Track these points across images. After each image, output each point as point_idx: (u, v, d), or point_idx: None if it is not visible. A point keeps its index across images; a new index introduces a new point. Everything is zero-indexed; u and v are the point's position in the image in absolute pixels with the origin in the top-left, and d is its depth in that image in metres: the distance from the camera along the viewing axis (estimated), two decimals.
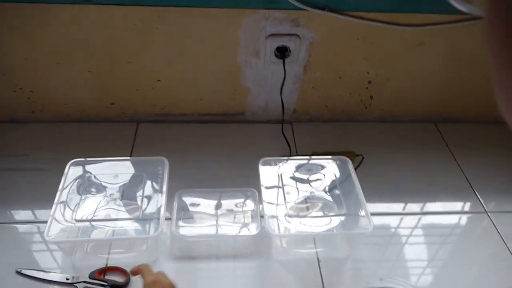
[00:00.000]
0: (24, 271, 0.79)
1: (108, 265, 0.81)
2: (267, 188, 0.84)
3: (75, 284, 0.78)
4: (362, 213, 0.80)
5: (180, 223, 0.87)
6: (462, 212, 0.97)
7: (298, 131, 1.13)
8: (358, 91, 1.10)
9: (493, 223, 0.94)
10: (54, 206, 0.77)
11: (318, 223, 0.80)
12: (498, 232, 0.92)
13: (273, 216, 0.79)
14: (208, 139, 1.09)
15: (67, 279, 0.78)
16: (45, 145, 1.04)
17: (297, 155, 1.04)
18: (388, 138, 1.14)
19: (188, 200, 0.91)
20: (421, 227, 0.93)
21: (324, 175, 0.88)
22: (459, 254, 0.88)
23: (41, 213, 0.89)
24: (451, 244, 0.90)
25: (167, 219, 0.86)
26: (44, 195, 0.84)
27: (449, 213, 0.96)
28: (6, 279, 0.78)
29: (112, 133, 1.08)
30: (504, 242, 0.90)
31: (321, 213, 0.82)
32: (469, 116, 1.19)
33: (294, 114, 1.14)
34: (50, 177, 0.86)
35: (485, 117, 1.19)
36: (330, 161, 0.91)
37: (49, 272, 0.79)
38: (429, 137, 1.16)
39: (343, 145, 1.08)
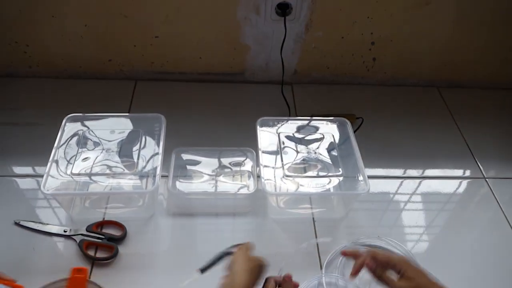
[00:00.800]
0: (22, 223, 0.80)
1: (105, 219, 0.82)
2: (264, 147, 0.83)
3: (72, 237, 0.79)
4: (359, 175, 0.79)
5: (177, 180, 0.87)
6: (460, 178, 0.96)
7: (298, 92, 1.11)
8: (360, 52, 1.07)
9: (491, 189, 0.94)
10: (50, 160, 0.77)
11: (315, 184, 0.80)
12: (496, 198, 0.92)
13: (269, 176, 0.79)
14: (207, 99, 1.08)
15: (65, 231, 0.79)
16: (42, 100, 1.03)
17: (296, 116, 1.03)
18: (389, 101, 1.12)
19: (185, 158, 0.91)
20: (419, 193, 0.92)
21: (323, 136, 0.87)
22: (456, 219, 0.88)
23: (39, 167, 0.90)
24: (449, 210, 0.90)
25: (164, 176, 0.86)
26: (42, 150, 0.83)
27: (447, 177, 0.96)
28: (5, 230, 0.79)
29: (110, 90, 1.07)
30: (501, 208, 0.90)
31: (318, 174, 0.81)
32: (473, 81, 1.17)
33: (295, 76, 1.12)
34: (47, 131, 0.85)
35: (489, 83, 1.17)
36: (329, 122, 0.90)
37: (47, 224, 0.80)
38: (431, 101, 1.14)
39: (344, 107, 1.06)
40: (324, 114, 1.01)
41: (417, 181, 0.95)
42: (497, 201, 0.91)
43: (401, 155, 1.00)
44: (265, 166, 0.80)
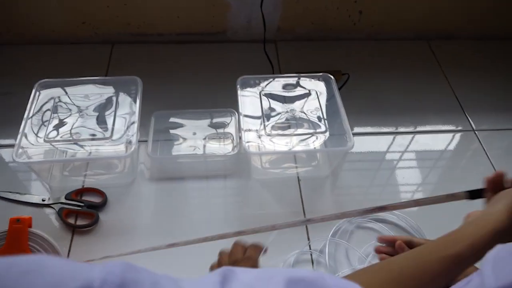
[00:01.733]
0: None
1: (85, 186, 0.80)
2: (245, 107, 0.80)
3: (51, 205, 0.77)
4: (344, 131, 0.77)
5: (158, 144, 0.84)
6: (451, 131, 0.94)
7: (282, 50, 1.07)
8: (346, 5, 1.02)
9: (481, 143, 0.91)
10: (22, 128, 0.74)
11: (297, 142, 0.77)
12: (485, 152, 0.90)
13: (251, 136, 0.76)
14: (188, 60, 1.03)
15: (43, 200, 0.77)
16: (13, 68, 0.99)
17: (280, 74, 0.99)
18: (377, 56, 1.08)
19: (165, 121, 0.88)
20: (409, 149, 0.90)
21: (306, 94, 0.84)
22: (448, 175, 0.86)
23: (14, 137, 0.87)
24: (440, 166, 0.88)
25: (143, 141, 0.84)
26: (16, 119, 0.81)
27: (437, 131, 0.94)
28: None
29: (85, 55, 1.03)
30: (491, 162, 0.88)
31: (301, 132, 0.79)
32: (463, 32, 1.13)
33: (279, 33, 1.07)
34: (20, 100, 0.81)
35: (480, 33, 1.13)
36: (313, 79, 0.86)
37: (24, 194, 0.78)
38: (421, 55, 1.10)
39: (330, 64, 1.02)
40: (309, 71, 0.98)
41: (406, 136, 0.92)
42: (487, 155, 0.89)
43: (390, 111, 0.97)
44: (247, 126, 0.77)
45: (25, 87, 0.82)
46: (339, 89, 0.96)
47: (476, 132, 0.93)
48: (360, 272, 0.45)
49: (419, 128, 0.94)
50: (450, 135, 0.93)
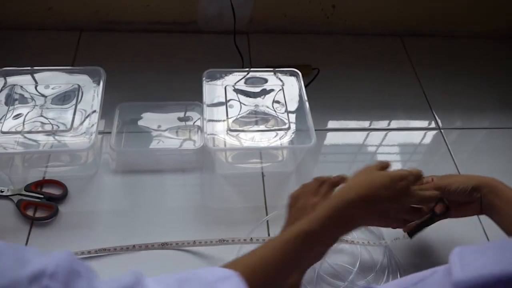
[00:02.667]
0: None
1: (46, 178, 0.79)
2: (210, 101, 0.79)
3: (10, 197, 0.75)
4: (306, 127, 0.76)
5: (122, 137, 0.83)
6: (417, 129, 0.95)
7: (254, 42, 1.06)
8: None
9: (445, 141, 0.93)
10: None
11: (262, 138, 0.77)
12: (449, 151, 0.91)
13: (214, 130, 0.76)
14: (157, 50, 1.02)
15: (1, 191, 0.76)
16: None
17: (250, 67, 0.98)
18: (349, 51, 1.08)
19: (130, 113, 0.86)
20: (374, 146, 0.91)
21: (273, 89, 0.84)
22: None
23: None
24: (404, 163, 0.89)
25: (107, 132, 0.83)
26: None
27: (404, 129, 0.94)
28: None
29: (52, 42, 1.00)
30: (454, 161, 0.89)
31: (264, 128, 0.78)
32: (437, 29, 1.13)
33: (251, 24, 1.06)
34: None
35: (453, 31, 1.13)
36: (281, 74, 0.86)
37: None
38: (393, 51, 1.11)
39: (302, 58, 1.02)
40: (280, 65, 0.97)
41: (374, 133, 0.93)
42: (451, 154, 0.91)
43: (359, 107, 0.97)
44: (210, 120, 0.77)
45: None
46: (308, 84, 0.96)
47: (442, 131, 0.94)
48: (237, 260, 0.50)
49: (383, 126, 0.94)
50: (417, 133, 0.94)
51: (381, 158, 0.89)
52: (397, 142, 0.92)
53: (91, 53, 0.99)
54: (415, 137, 0.93)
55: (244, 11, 1.01)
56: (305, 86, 0.84)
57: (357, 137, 0.92)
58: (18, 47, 0.98)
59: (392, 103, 0.99)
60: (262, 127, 0.79)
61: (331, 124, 0.93)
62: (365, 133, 0.92)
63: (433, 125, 0.96)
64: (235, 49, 1.01)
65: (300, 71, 0.85)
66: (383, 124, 0.94)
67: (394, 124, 0.95)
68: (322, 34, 1.09)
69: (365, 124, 0.94)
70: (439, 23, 1.11)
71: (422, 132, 0.94)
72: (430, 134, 0.94)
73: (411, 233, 0.65)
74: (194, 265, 0.69)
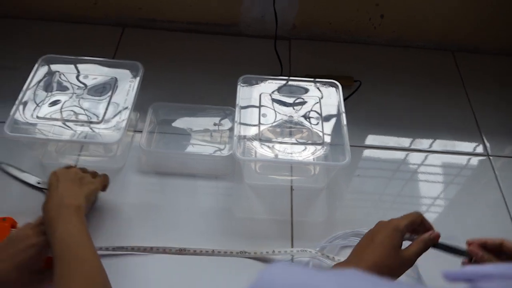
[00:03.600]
0: (3, 166, 0.78)
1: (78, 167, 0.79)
2: (243, 109, 0.77)
3: (44, 190, 0.76)
4: (342, 142, 0.72)
5: (152, 136, 0.83)
6: (463, 153, 0.88)
7: (295, 49, 1.03)
8: (366, 7, 0.97)
9: (493, 169, 0.86)
10: (17, 102, 0.73)
11: (294, 150, 0.74)
12: (497, 179, 0.84)
13: (245, 138, 0.73)
14: (196, 51, 1.01)
15: (38, 183, 0.77)
16: (22, 43, 0.99)
17: (289, 75, 0.95)
18: (395, 64, 1.03)
19: (163, 113, 0.86)
20: (415, 167, 0.85)
21: (311, 100, 0.80)
22: (454, 197, 0.81)
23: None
24: (447, 187, 0.83)
25: (139, 131, 0.82)
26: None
27: (449, 152, 0.88)
28: None
29: (96, 35, 1.01)
30: (501, 191, 0.82)
31: (297, 140, 0.75)
32: (490, 46, 1.05)
33: (294, 30, 1.03)
34: (22, 75, 0.81)
35: (508, 48, 1.05)
36: (319, 84, 0.82)
37: (23, 172, 0.78)
38: (443, 67, 1.04)
39: (343, 68, 0.98)
40: (319, 75, 0.93)
41: (416, 154, 0.87)
42: (498, 184, 0.83)
43: (400, 124, 0.92)
44: (242, 127, 0.74)
45: (30, 63, 0.81)
46: (348, 96, 0.92)
47: (491, 157, 0.87)
48: None
49: (425, 147, 0.88)
50: (462, 157, 0.88)
51: (421, 178, 0.83)
52: (439, 163, 0.86)
53: (131, 48, 1.00)
54: (459, 160, 0.87)
55: (287, 17, 0.98)
56: (345, 99, 0.80)
57: (396, 156, 0.86)
58: (64, 38, 1.00)
59: (438, 122, 0.92)
60: (295, 139, 0.76)
61: (369, 140, 0.88)
62: (405, 152, 0.87)
63: (480, 150, 0.89)
64: (274, 55, 0.98)
65: (341, 83, 0.81)
66: (425, 144, 0.88)
67: (438, 145, 0.89)
68: (368, 43, 1.04)
69: (406, 143, 0.89)
70: (492, 39, 1.04)
71: (468, 157, 0.88)
72: (476, 160, 0.87)
73: (438, 245, 0.57)
74: (211, 273, 0.67)
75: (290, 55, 1.01)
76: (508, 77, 1.03)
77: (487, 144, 0.89)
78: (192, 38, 1.03)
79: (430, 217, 0.69)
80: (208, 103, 0.87)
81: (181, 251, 0.69)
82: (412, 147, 0.88)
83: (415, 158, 0.86)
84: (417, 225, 0.57)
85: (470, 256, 0.56)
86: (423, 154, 0.87)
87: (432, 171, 0.85)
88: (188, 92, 0.91)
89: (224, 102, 0.86)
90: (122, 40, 1.01)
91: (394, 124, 0.91)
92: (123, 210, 0.74)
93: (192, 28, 1.03)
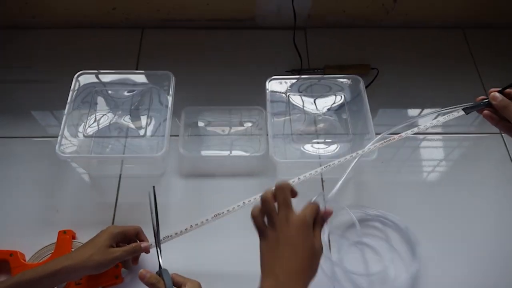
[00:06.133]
0: None
1: (122, 176, 0.85)
2: (273, 110, 0.82)
3: None
4: (368, 135, 0.78)
5: (187, 140, 0.88)
6: (476, 133, 0.94)
7: (312, 38, 1.06)
8: None
9: (506, 147, 0.92)
10: (63, 121, 0.77)
11: (323, 148, 0.80)
12: (510, 156, 0.90)
13: (277, 140, 0.79)
14: (216, 48, 1.04)
15: None
16: (47, 54, 1.02)
17: (308, 67, 0.99)
18: (409, 46, 1.06)
19: (195, 116, 0.91)
20: (435, 147, 0.92)
21: (335, 96, 0.85)
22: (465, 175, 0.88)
23: (52, 127, 0.91)
24: (455, 162, 0.90)
25: (174, 135, 0.87)
26: (53, 107, 0.86)
27: (461, 133, 0.94)
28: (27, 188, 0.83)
29: (117, 40, 1.04)
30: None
31: (326, 139, 0.81)
32: (501, 22, 1.08)
33: (309, 20, 1.05)
34: (56, 88, 0.85)
35: None
36: (341, 79, 0.86)
37: None
38: (454, 45, 1.07)
39: (360, 54, 1.02)
40: (337, 64, 0.97)
41: (434, 136, 0.93)
42: (510, 157, 0.90)
43: (416, 104, 0.97)
44: (273, 128, 0.79)
45: (59, 75, 0.87)
46: (368, 85, 0.96)
47: (503, 135, 0.93)
48: None
49: (443, 129, 0.94)
50: (475, 136, 0.94)
51: (441, 163, 0.90)
52: (452, 146, 0.92)
53: (153, 51, 1.03)
54: (472, 140, 0.93)
55: (302, 8, 1.00)
56: (365, 88, 0.84)
57: (415, 143, 0.92)
58: (87, 45, 1.03)
59: (450, 100, 0.97)
60: (322, 135, 0.81)
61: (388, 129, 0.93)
62: (423, 136, 0.93)
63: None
64: (293, 46, 1.01)
65: (359, 72, 0.86)
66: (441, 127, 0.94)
67: (451, 128, 0.94)
68: (381, 27, 1.07)
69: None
70: (506, 16, 1.06)
71: (482, 136, 0.94)
72: (490, 138, 0.93)
73: (467, 109, 0.64)
74: None
75: (307, 44, 1.04)
76: None
77: None
78: (211, 34, 1.06)
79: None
80: (235, 100, 0.92)
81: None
82: (428, 131, 0.93)
83: (430, 143, 0.92)
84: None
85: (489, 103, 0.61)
86: (440, 136, 0.93)
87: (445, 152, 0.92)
88: (214, 91, 0.96)
89: (251, 99, 0.90)
90: (143, 42, 1.04)
91: (411, 107, 0.97)
92: (169, 213, 0.81)
93: (210, 25, 1.05)
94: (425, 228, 0.79)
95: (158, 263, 0.65)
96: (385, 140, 0.64)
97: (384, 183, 0.86)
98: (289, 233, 0.53)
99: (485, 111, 0.61)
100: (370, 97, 0.83)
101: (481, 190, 0.86)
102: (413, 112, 0.97)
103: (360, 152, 0.68)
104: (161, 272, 0.62)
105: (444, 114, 0.66)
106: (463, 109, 0.63)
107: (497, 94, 0.60)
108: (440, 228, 0.80)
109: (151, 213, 0.67)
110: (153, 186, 0.70)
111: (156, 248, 0.66)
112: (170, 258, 0.67)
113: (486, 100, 0.61)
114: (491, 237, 0.80)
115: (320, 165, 0.86)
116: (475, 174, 0.88)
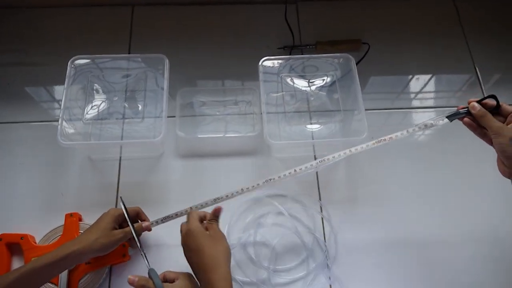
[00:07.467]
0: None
1: (122, 158, 0.88)
2: (266, 89, 0.84)
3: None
4: (359, 117, 0.81)
5: (182, 121, 0.90)
6: None
7: (303, 12, 1.06)
8: None
9: None
10: (62, 108, 0.79)
11: (315, 126, 0.83)
12: None
13: (271, 122, 0.82)
14: (208, 24, 1.04)
15: None
16: (36, 34, 1.01)
17: (300, 43, 1.00)
18: (400, 18, 1.07)
19: (189, 97, 0.92)
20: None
21: (326, 76, 0.87)
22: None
23: (50, 112, 0.93)
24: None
25: (171, 116, 0.89)
26: (48, 91, 0.87)
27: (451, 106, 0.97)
28: (36, 172, 0.86)
29: (108, 19, 1.03)
30: None
31: (318, 115, 0.84)
32: None
33: None
34: (51, 72, 0.87)
35: None
36: (332, 59, 0.88)
37: None
38: (444, 14, 1.08)
39: (351, 28, 1.02)
40: (329, 40, 0.98)
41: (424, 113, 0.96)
42: None
43: (406, 78, 1.00)
44: (266, 108, 0.81)
45: (51, 55, 0.89)
46: (359, 61, 0.98)
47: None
48: None
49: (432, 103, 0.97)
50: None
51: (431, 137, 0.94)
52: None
53: (144, 31, 1.02)
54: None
55: None
56: (356, 64, 0.86)
57: (401, 118, 0.96)
58: (77, 24, 1.02)
59: (439, 73, 1.01)
60: (315, 112, 0.84)
61: (379, 103, 0.96)
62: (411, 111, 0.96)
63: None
64: (284, 21, 1.01)
65: (351, 47, 0.87)
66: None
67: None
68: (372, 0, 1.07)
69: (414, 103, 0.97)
70: None
71: None
72: None
73: (450, 117, 0.69)
74: None
75: (299, 19, 1.05)
76: (506, 19, 1.08)
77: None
78: (202, 10, 1.05)
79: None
80: (229, 78, 0.95)
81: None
82: (420, 105, 0.97)
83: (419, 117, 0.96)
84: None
85: (469, 112, 0.66)
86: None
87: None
88: (208, 69, 0.97)
89: (244, 76, 0.93)
90: (134, 19, 1.03)
91: (401, 83, 0.99)
92: (168, 192, 0.85)
93: (201, 0, 1.04)
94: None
95: (145, 264, 0.68)
96: (377, 140, 0.71)
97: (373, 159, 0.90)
98: (187, 241, 0.67)
99: (466, 119, 0.67)
100: (361, 72, 0.84)
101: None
102: (403, 82, 1.00)
103: (353, 149, 0.71)
104: (149, 272, 0.65)
105: (430, 121, 0.71)
106: (447, 117, 0.69)
107: (476, 104, 0.65)
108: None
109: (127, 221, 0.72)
110: (121, 197, 0.74)
111: (140, 252, 0.70)
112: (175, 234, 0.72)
113: (466, 109, 0.66)
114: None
115: (313, 146, 0.91)
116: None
